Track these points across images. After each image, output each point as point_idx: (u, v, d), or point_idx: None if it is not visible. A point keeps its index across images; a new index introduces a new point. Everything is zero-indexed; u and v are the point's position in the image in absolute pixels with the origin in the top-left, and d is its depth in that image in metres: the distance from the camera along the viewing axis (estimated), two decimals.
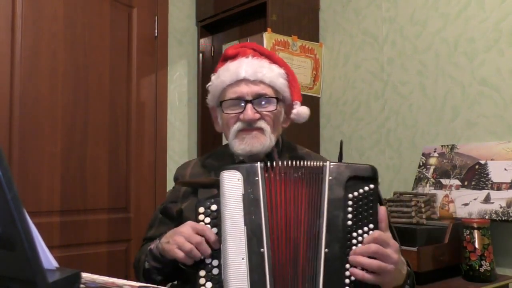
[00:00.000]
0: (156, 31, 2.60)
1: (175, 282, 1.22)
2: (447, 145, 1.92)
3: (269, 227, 0.94)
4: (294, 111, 1.23)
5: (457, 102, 1.95)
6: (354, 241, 0.94)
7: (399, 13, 2.18)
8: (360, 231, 0.94)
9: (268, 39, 2.25)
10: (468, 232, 1.59)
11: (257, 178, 0.97)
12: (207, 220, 0.99)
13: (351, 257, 0.92)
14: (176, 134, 2.70)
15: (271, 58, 1.25)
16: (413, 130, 2.10)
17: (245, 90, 1.18)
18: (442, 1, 2.02)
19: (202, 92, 2.75)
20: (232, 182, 0.97)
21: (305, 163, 1.00)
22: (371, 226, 0.95)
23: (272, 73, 1.20)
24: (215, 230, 0.98)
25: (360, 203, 0.96)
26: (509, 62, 1.80)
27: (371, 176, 0.98)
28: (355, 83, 2.36)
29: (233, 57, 1.24)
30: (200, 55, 2.78)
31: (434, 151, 1.96)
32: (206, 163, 1.30)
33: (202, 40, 2.78)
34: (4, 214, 0.47)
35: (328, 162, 0.98)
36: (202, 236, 0.97)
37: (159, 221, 1.30)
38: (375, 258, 0.91)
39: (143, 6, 2.53)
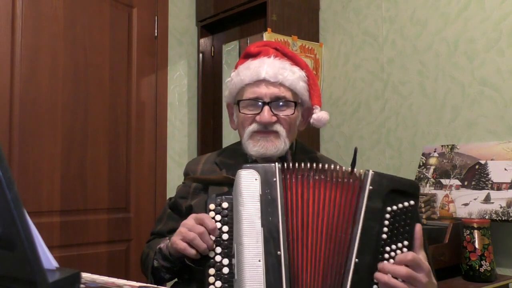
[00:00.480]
0: (156, 31, 2.60)
1: (176, 280, 1.21)
2: (447, 145, 1.92)
3: (285, 230, 0.92)
4: (315, 116, 1.21)
5: (457, 102, 1.95)
6: (387, 255, 0.91)
7: (399, 13, 2.18)
8: (394, 246, 0.92)
9: (268, 39, 2.25)
10: (468, 232, 1.59)
11: (275, 179, 0.95)
12: (218, 217, 0.97)
13: (379, 275, 0.90)
14: (176, 134, 2.70)
15: (293, 59, 1.23)
16: (413, 130, 2.10)
17: (264, 91, 1.15)
18: (442, 1, 2.02)
19: (202, 92, 2.75)
20: (249, 182, 0.95)
21: (337, 167, 0.97)
22: (405, 243, 0.92)
23: (293, 76, 1.17)
24: (226, 228, 0.97)
25: (398, 218, 0.93)
26: (509, 62, 1.80)
27: (413, 192, 0.96)
28: (355, 83, 2.36)
29: (255, 55, 1.21)
30: (200, 55, 2.78)
31: (434, 151, 1.96)
32: (218, 160, 1.27)
33: (202, 40, 2.78)
34: (4, 214, 0.47)
35: (370, 171, 0.96)
36: (202, 225, 0.96)
37: (168, 216, 1.29)
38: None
39: (143, 6, 2.53)
